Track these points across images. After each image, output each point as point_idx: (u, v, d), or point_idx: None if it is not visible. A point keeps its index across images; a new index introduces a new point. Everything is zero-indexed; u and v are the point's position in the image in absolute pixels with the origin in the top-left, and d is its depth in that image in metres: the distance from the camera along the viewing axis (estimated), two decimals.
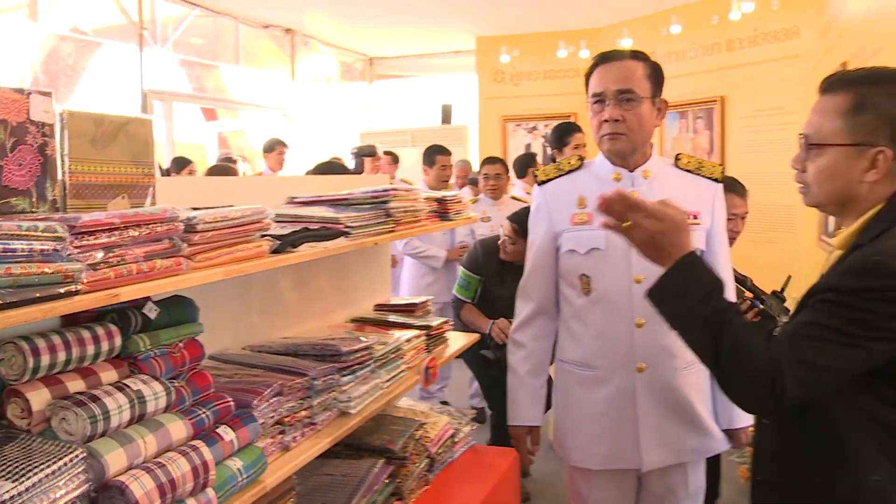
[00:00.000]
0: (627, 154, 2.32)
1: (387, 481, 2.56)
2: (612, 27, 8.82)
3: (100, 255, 1.34)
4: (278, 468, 1.86)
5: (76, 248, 1.29)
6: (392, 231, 2.47)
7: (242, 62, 9.09)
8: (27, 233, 1.22)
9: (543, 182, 2.48)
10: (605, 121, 2.27)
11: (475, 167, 7.62)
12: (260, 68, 9.43)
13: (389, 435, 2.71)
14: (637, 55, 2.34)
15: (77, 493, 1.31)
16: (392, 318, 2.96)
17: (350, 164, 5.14)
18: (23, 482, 1.21)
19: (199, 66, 8.83)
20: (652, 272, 1.75)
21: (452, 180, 6.66)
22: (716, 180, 2.43)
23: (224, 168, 6.14)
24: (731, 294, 2.46)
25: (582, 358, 2.40)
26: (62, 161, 1.69)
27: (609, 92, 2.25)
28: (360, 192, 2.46)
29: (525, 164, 6.25)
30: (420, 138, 9.77)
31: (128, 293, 1.36)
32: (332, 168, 4.45)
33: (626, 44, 8.21)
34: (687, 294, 1.66)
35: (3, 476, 1.21)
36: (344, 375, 2.20)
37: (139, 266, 1.42)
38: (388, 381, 2.46)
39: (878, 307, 1.48)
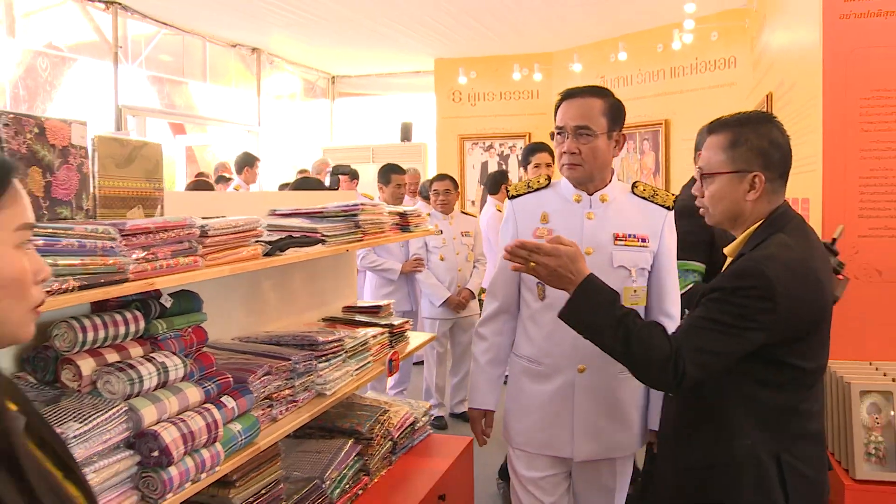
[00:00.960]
0: (585, 181, 2.53)
1: (356, 458, 2.94)
2: (563, 52, 9.31)
3: (140, 252, 1.72)
4: (268, 435, 2.23)
5: (124, 246, 1.67)
6: (361, 240, 2.86)
7: (210, 79, 9.41)
8: (91, 234, 1.60)
9: (514, 196, 2.68)
10: (564, 152, 2.50)
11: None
12: (227, 85, 9.75)
13: (358, 419, 3.09)
14: (597, 92, 2.54)
15: (121, 437, 1.69)
16: (359, 317, 3.33)
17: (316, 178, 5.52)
18: (87, 423, 1.57)
19: (169, 83, 9.13)
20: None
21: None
22: (667, 208, 2.61)
23: (203, 184, 6.51)
24: (675, 305, 2.65)
25: (532, 354, 2.61)
26: (94, 178, 2.05)
27: (568, 127, 2.47)
28: (333, 206, 2.85)
29: (497, 182, 6.57)
30: (381, 155, 10.16)
31: (161, 283, 1.74)
32: (309, 184, 4.82)
33: (576, 68, 8.71)
34: (593, 309, 2.04)
35: (70, 419, 1.58)
36: (320, 362, 2.58)
37: (167, 262, 1.80)
38: (357, 369, 2.84)
39: (751, 302, 1.87)
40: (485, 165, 10.03)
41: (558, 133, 2.52)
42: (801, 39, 4.13)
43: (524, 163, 5.30)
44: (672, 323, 2.57)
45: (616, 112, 2.52)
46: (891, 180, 3.41)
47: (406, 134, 10.74)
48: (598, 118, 2.46)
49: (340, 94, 11.86)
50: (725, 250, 2.16)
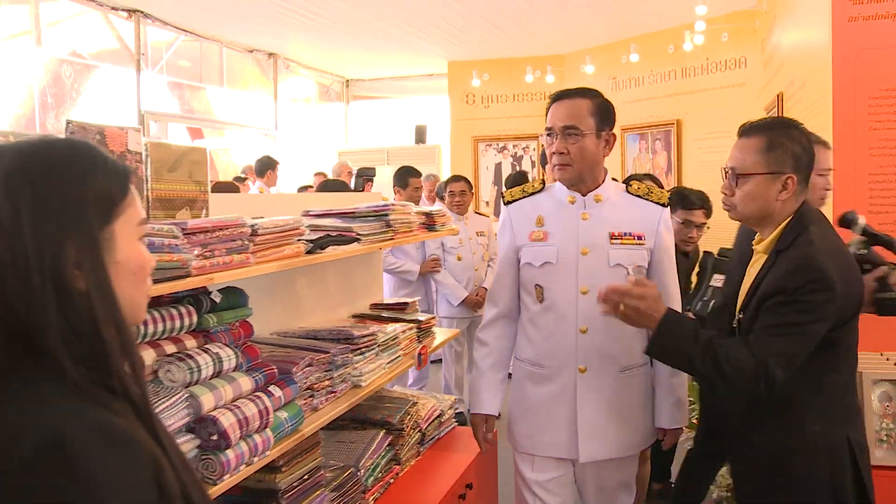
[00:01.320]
0: (576, 181, 2.58)
1: (387, 448, 3.07)
2: (575, 54, 9.43)
3: (200, 250, 1.85)
4: (310, 423, 2.36)
5: (186, 243, 1.80)
6: (392, 238, 2.99)
7: (227, 84, 9.56)
8: (158, 232, 1.73)
9: (510, 202, 2.74)
10: (554, 153, 2.55)
11: None
12: (244, 90, 9.90)
13: (388, 411, 3.22)
14: (586, 93, 2.60)
15: (182, 422, 1.82)
16: (386, 314, 3.46)
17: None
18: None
19: (187, 88, 9.29)
20: (595, 285, 2.38)
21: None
22: (662, 205, 2.65)
23: (227, 186, 6.69)
24: (675, 301, 2.69)
25: (534, 357, 2.65)
26: (147, 181, 2.19)
27: (557, 127, 2.53)
28: (365, 206, 2.98)
29: (517, 183, 6.71)
30: (395, 157, 10.31)
31: (219, 278, 1.88)
32: (333, 186, 4.95)
33: (588, 70, 8.82)
34: (680, 342, 2.17)
35: None
36: (356, 355, 2.72)
37: (223, 259, 1.94)
38: (389, 362, 2.97)
39: (814, 297, 2.04)
40: (498, 167, 10.16)
41: (548, 134, 2.57)
42: (811, 40, 4.24)
43: (543, 163, 5.39)
44: None
45: (604, 112, 2.57)
46: None
47: (420, 136, 10.87)
48: (586, 118, 2.51)
49: (355, 97, 12.00)
50: (758, 247, 2.31)
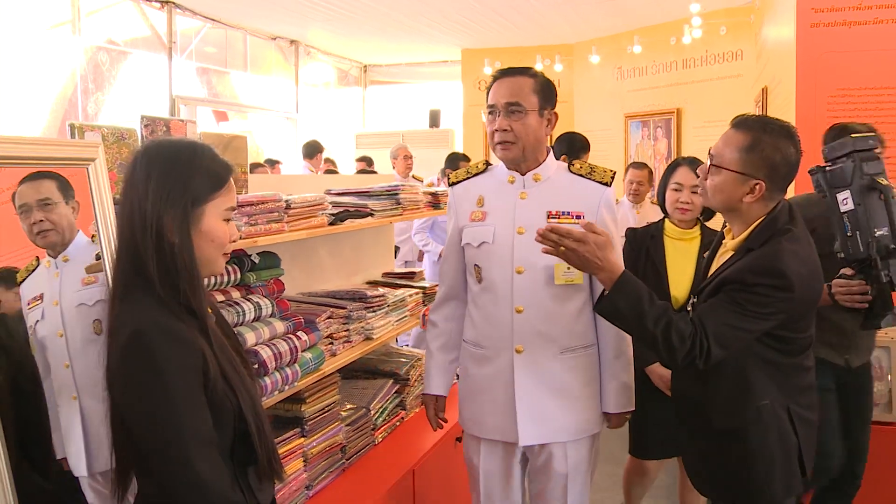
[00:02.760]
0: (519, 160, 2.53)
1: (395, 395, 3.58)
2: (583, 44, 9.86)
3: (245, 218, 2.35)
4: (330, 364, 2.87)
5: (237, 214, 2.30)
6: (401, 214, 3.49)
7: (251, 69, 10.07)
8: None
9: (454, 183, 2.71)
10: (496, 130, 2.49)
11: None
12: (267, 74, 10.40)
13: (396, 364, 3.72)
14: (528, 72, 2.53)
15: None
16: (396, 281, 3.96)
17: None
18: None
19: (213, 73, 9.80)
20: (530, 265, 2.43)
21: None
22: (605, 184, 2.57)
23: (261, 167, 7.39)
24: None
25: (475, 338, 2.63)
26: None
27: (500, 104, 2.47)
28: (378, 186, 3.48)
29: (454, 161, 7.31)
30: (410, 140, 10.74)
31: (262, 241, 2.38)
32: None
33: (594, 60, 9.26)
34: (636, 301, 2.14)
35: None
36: (368, 312, 3.22)
37: (264, 227, 2.44)
38: (397, 320, 3.47)
39: (771, 293, 2.10)
40: None
41: (489, 112, 2.52)
42: (784, 41, 4.69)
43: (571, 157, 5.57)
44: None
45: (547, 90, 2.52)
46: None
47: (434, 120, 11.33)
48: (528, 96, 2.46)
49: (372, 82, 12.49)
50: (729, 243, 2.34)
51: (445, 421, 2.87)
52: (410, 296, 3.68)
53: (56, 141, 2.07)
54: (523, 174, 2.56)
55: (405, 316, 3.58)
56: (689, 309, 2.38)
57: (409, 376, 3.68)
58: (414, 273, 4.10)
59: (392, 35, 9.90)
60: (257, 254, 2.71)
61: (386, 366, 3.71)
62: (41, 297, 2.15)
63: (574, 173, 2.58)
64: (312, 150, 8.56)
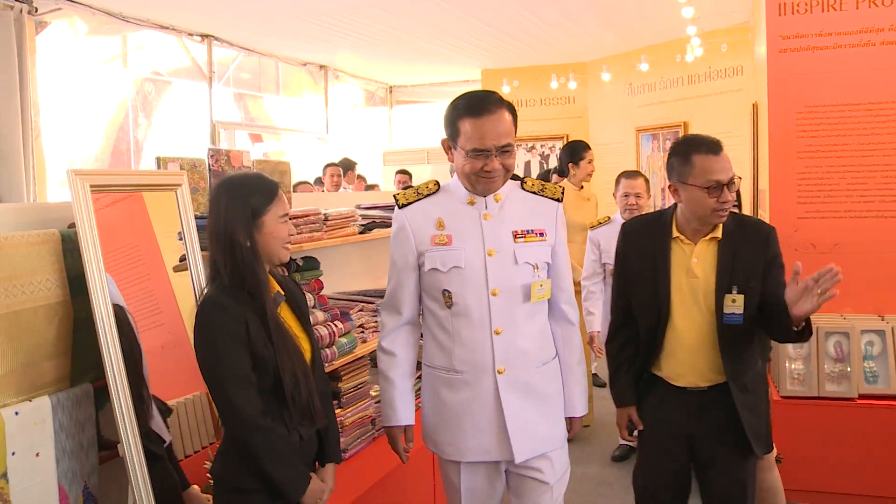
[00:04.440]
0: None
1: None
2: (595, 62, 10.43)
3: (295, 229, 2.96)
4: (361, 348, 3.46)
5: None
6: None
7: (283, 93, 10.75)
8: None
9: (405, 205, 2.57)
10: (489, 171, 2.42)
11: None
12: (298, 97, 11.08)
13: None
14: (503, 103, 2.44)
15: None
16: None
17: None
18: None
19: (248, 97, 10.49)
20: (506, 286, 2.45)
21: None
22: (557, 200, 2.60)
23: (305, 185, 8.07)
24: (572, 292, 2.69)
25: (448, 364, 2.55)
26: None
27: (493, 149, 2.38)
28: None
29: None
30: (435, 157, 11.41)
31: (307, 247, 2.98)
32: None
33: (606, 77, 9.83)
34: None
35: None
36: None
37: (308, 235, 3.04)
38: None
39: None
40: (527, 164, 11.17)
41: (478, 153, 2.40)
42: (761, 63, 5.22)
43: (576, 159, 5.76)
44: (572, 309, 2.68)
45: (516, 118, 2.48)
46: (821, 175, 4.53)
47: None
48: (512, 131, 2.43)
49: (397, 102, 13.16)
50: (704, 238, 2.73)
51: (411, 448, 2.75)
52: None
53: (153, 172, 2.70)
54: (483, 196, 2.52)
55: None
56: (732, 300, 2.68)
57: None
58: None
59: (415, 58, 10.50)
60: (301, 258, 3.31)
61: None
62: None
63: (527, 191, 2.61)
64: (345, 168, 9.21)
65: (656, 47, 9.48)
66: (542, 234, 2.53)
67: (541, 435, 2.55)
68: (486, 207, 2.51)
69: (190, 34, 8.50)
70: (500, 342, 2.47)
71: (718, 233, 2.70)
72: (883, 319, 4.31)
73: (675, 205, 2.79)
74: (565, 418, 2.66)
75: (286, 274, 3.16)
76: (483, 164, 2.40)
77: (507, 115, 2.42)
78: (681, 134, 9.32)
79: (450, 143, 2.51)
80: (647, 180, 5.18)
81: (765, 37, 4.67)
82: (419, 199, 2.57)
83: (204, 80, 8.87)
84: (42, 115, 6.65)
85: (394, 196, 2.62)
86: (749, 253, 2.70)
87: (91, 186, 2.21)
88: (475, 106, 2.40)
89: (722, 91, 8.86)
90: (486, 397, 2.49)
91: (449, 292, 2.48)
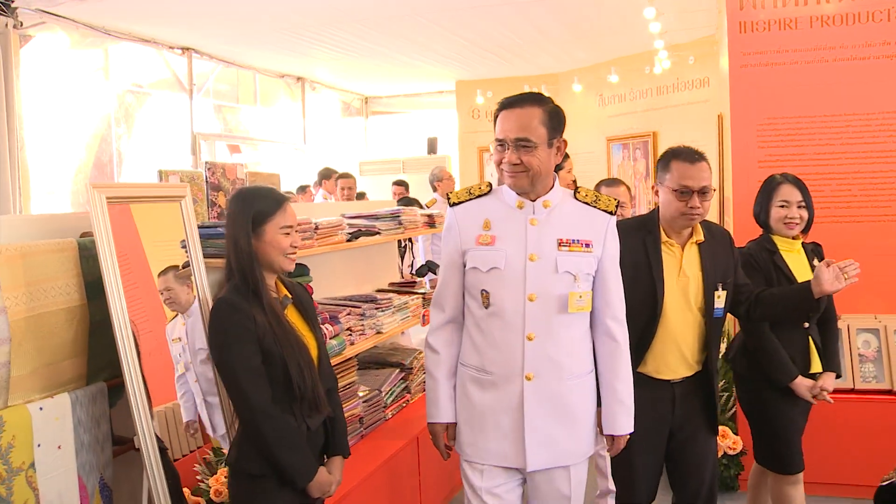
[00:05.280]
0: (527, 188, 2.50)
1: (401, 381, 4.37)
2: (566, 73, 10.71)
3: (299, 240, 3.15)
4: (350, 350, 3.66)
5: None
6: (402, 232, 4.29)
7: (260, 103, 10.92)
8: None
9: (455, 204, 2.60)
10: (506, 163, 2.46)
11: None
12: (275, 107, 11.26)
13: (402, 356, 4.51)
14: (536, 100, 2.48)
15: None
16: (400, 289, 4.76)
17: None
18: None
19: (226, 108, 10.65)
20: (544, 292, 2.44)
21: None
22: (610, 213, 2.58)
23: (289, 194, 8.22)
24: (621, 309, 2.63)
25: (479, 364, 2.54)
26: None
27: (509, 140, 2.42)
28: (384, 210, 4.29)
29: None
30: (410, 166, 11.63)
31: (300, 253, 3.17)
32: (408, 202, 6.36)
33: (577, 88, 10.10)
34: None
35: None
36: (378, 311, 4.02)
37: (301, 242, 3.23)
38: (401, 319, 4.27)
39: None
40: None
41: (499, 144, 2.48)
42: (724, 76, 5.49)
43: (555, 169, 5.95)
44: (619, 327, 2.61)
45: (555, 119, 2.48)
46: None
47: (432, 147, 12.19)
48: (537, 128, 2.42)
49: (373, 112, 13.39)
50: (691, 240, 2.95)
51: (452, 445, 2.71)
52: (412, 299, 4.48)
53: (159, 185, 2.90)
54: (532, 200, 2.52)
55: (408, 316, 4.38)
56: (717, 295, 2.97)
57: (412, 366, 4.47)
58: (415, 282, 4.89)
59: (390, 69, 10.70)
60: None
61: (393, 357, 4.50)
62: None
63: (580, 201, 2.60)
64: (327, 175, 9.35)
65: (626, 59, 9.77)
66: (588, 245, 2.52)
67: (558, 447, 2.54)
68: (534, 213, 2.52)
69: (171, 47, 8.65)
70: (532, 348, 2.47)
71: (700, 236, 2.95)
72: (839, 318, 4.56)
73: (656, 210, 3.01)
74: (606, 436, 2.64)
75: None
76: (502, 154, 2.46)
77: (533, 110, 2.44)
78: (650, 143, 9.62)
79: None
80: (628, 188, 5.21)
81: (727, 52, 4.94)
82: (470, 199, 2.59)
83: (183, 91, 9.02)
84: (26, 128, 6.78)
85: (447, 195, 2.69)
86: (722, 253, 3.00)
87: (107, 199, 2.40)
88: (506, 101, 2.51)
89: (689, 102, 9.16)
90: (512, 402, 2.49)
91: (487, 292, 2.50)
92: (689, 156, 2.91)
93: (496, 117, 2.50)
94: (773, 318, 3.27)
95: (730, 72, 4.91)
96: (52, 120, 7.70)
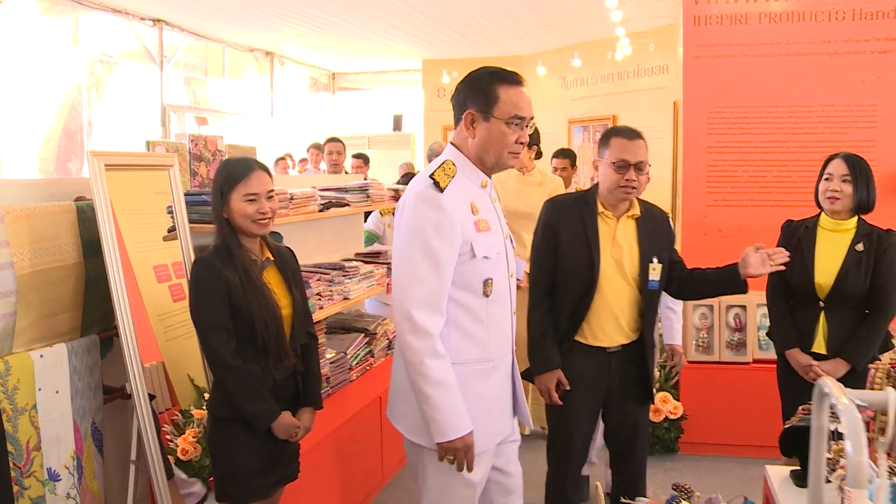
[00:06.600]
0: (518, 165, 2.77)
1: (365, 346, 4.61)
2: (531, 56, 10.97)
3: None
4: (319, 314, 3.90)
5: None
6: (370, 205, 4.53)
7: (229, 77, 11.03)
8: None
9: (446, 188, 2.33)
10: (520, 143, 2.36)
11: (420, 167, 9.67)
12: (244, 81, 11.37)
13: (367, 322, 4.76)
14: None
15: None
16: (366, 259, 4.99)
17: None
18: None
19: (194, 81, 10.75)
20: (513, 267, 2.56)
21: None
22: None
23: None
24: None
25: (483, 355, 2.43)
26: None
27: (527, 118, 2.36)
28: (353, 184, 4.52)
29: None
30: (375, 142, 11.83)
31: (277, 221, 3.40)
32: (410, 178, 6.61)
33: (541, 71, 10.37)
34: None
35: None
36: (346, 278, 4.26)
37: (278, 212, 3.47)
38: (367, 286, 4.51)
39: None
40: None
41: (517, 123, 2.35)
42: (679, 66, 5.78)
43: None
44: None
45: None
46: (727, 167, 5.09)
47: (397, 124, 12.39)
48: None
49: (340, 88, 13.55)
50: (627, 214, 3.13)
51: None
52: (377, 268, 4.72)
53: (151, 154, 3.12)
54: (490, 177, 2.48)
55: (373, 284, 4.62)
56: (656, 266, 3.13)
57: (376, 332, 4.71)
58: (380, 253, 5.13)
59: (358, 46, 10.90)
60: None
61: (358, 323, 4.75)
62: None
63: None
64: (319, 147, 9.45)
65: (589, 44, 10.05)
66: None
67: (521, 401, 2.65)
68: (490, 188, 2.49)
69: (142, 18, 8.75)
70: (513, 322, 2.55)
71: (637, 210, 3.17)
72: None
73: (597, 185, 3.22)
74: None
75: None
76: (520, 133, 2.37)
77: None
78: (610, 126, 9.92)
79: (475, 115, 2.37)
80: (574, 158, 6.03)
81: (682, 43, 5.23)
82: (450, 182, 2.35)
83: (152, 62, 9.12)
84: None
85: (430, 178, 2.31)
86: (659, 230, 3.23)
87: (105, 165, 2.62)
88: (522, 78, 2.45)
89: (648, 88, 9.47)
90: (506, 377, 2.53)
91: (491, 280, 2.38)
92: (628, 133, 3.08)
93: (496, 87, 2.37)
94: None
95: (684, 62, 5.20)
96: (20, 87, 7.77)
